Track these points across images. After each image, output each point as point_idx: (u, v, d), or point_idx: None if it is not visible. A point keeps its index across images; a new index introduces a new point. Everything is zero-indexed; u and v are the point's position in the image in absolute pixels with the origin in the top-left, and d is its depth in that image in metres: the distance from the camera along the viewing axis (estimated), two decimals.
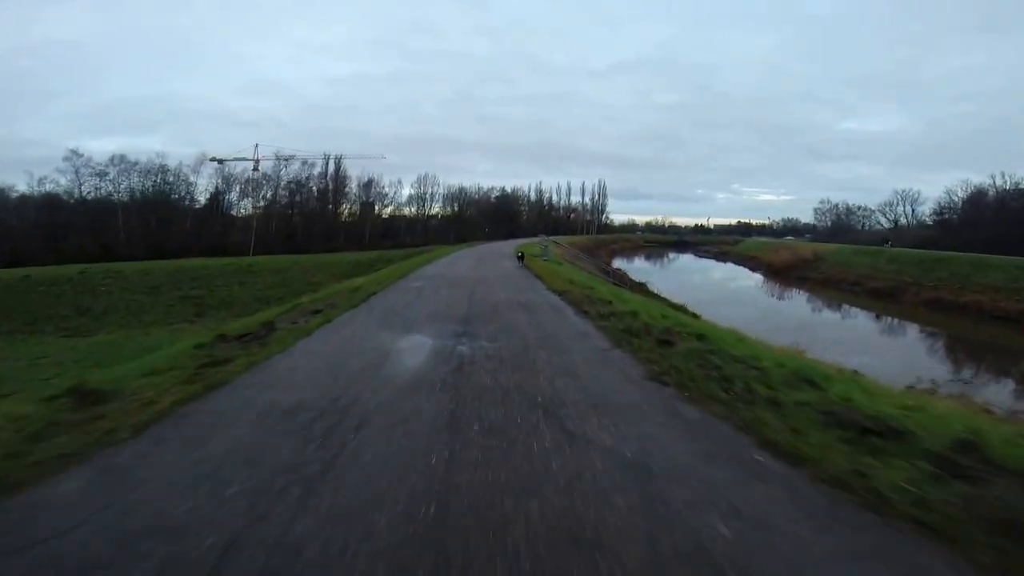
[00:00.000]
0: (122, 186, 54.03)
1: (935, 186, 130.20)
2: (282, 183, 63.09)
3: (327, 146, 72.94)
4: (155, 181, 54.98)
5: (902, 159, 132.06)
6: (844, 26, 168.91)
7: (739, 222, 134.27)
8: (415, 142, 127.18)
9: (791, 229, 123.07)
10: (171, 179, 55.98)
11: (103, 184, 53.65)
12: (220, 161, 64.28)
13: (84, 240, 50.74)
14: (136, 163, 54.05)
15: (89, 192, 52.77)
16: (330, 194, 71.12)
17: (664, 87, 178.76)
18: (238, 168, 61.86)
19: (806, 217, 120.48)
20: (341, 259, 33.51)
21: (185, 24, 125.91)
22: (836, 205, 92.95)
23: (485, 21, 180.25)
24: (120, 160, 53.31)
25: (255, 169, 66.60)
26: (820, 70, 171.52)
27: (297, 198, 64.23)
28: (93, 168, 52.26)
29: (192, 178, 57.88)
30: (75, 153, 51.33)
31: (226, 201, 62.10)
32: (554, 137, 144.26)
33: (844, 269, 49.51)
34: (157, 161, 55.21)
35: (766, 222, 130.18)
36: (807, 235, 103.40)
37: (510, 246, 35.32)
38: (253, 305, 25.11)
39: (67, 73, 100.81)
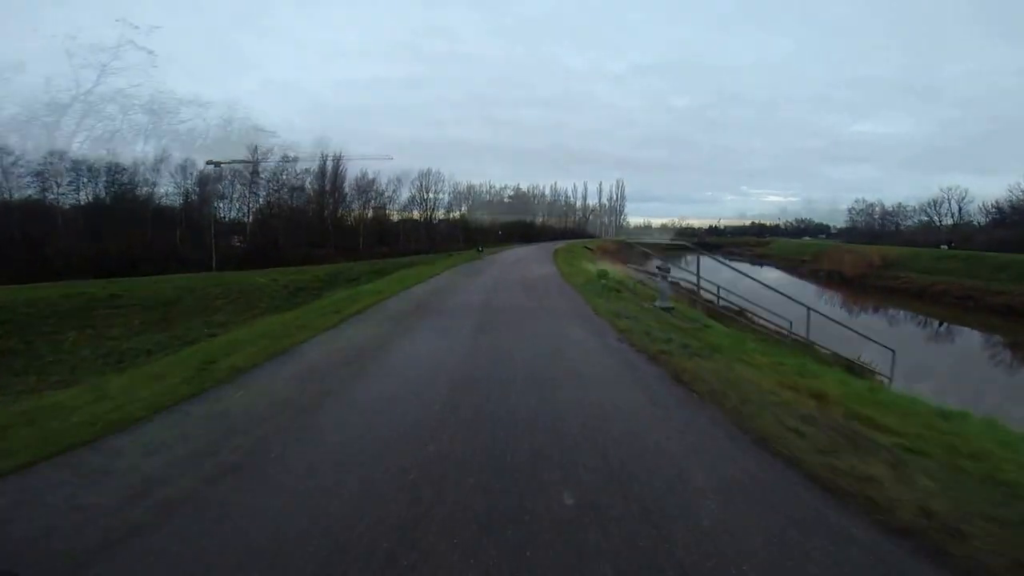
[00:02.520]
0: (64, 189, 42.56)
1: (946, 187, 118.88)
2: (262, 182, 51.38)
3: (338, 149, 61.12)
4: (107, 182, 43.48)
5: (911, 161, 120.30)
6: (858, 28, 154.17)
7: (752, 223, 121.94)
8: (427, 145, 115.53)
9: (804, 230, 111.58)
10: (125, 180, 44.43)
11: (48, 186, 42.24)
12: (218, 164, 53.98)
13: (15, 252, 39.47)
14: (83, 161, 42.61)
15: (24, 196, 41.26)
16: (327, 196, 59.49)
17: (679, 89, 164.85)
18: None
19: (817, 218, 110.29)
20: (275, 281, 21.65)
21: (193, 26, 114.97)
22: (871, 204, 79.33)
23: (501, 23, 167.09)
24: (60, 158, 41.85)
25: (253, 171, 55.97)
26: (834, 73, 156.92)
27: (282, 197, 52.42)
28: (26, 167, 40.77)
29: (151, 178, 46.30)
30: (2, 151, 39.77)
31: (214, 205, 50.75)
32: (567, 140, 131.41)
33: (933, 278, 37.93)
34: (107, 158, 43.68)
35: (778, 223, 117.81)
36: (821, 235, 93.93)
37: (545, 257, 22.36)
38: (93, 365, 13.61)
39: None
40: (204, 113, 77.33)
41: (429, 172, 65.28)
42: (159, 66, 78.55)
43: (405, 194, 62.34)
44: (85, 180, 42.57)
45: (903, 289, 36.41)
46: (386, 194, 60.44)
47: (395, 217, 62.36)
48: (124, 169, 43.80)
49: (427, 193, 64.41)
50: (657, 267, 10.24)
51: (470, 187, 68.80)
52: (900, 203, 74.16)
